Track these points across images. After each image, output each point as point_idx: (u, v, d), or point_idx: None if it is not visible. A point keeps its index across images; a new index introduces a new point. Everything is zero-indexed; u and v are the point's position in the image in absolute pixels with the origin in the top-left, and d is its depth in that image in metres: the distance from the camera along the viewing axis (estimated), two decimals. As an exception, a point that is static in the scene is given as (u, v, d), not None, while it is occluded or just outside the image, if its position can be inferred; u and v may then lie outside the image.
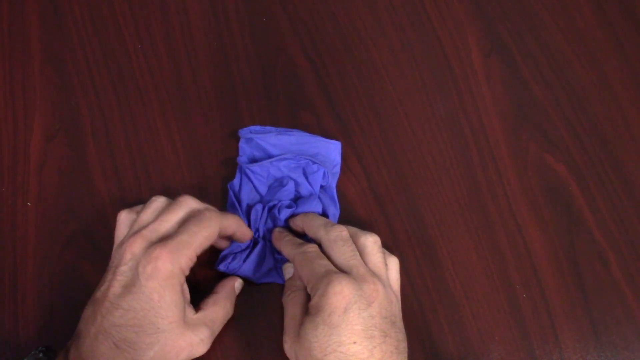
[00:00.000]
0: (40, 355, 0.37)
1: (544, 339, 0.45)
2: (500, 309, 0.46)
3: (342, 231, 0.42)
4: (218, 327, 0.42)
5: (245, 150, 0.48)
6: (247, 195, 0.47)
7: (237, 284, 0.44)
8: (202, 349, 0.40)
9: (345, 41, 0.54)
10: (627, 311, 0.46)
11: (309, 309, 0.39)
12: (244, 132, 0.48)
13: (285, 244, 0.43)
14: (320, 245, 0.43)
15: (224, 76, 0.52)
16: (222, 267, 0.44)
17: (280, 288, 0.45)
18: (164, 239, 0.38)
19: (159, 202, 0.42)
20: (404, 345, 0.40)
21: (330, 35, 0.54)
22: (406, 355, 0.40)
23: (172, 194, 0.44)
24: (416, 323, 0.44)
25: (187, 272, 0.39)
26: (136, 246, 0.38)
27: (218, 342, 0.43)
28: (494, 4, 0.57)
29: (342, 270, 0.40)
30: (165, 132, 0.50)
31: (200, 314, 0.40)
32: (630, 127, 0.52)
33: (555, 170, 0.50)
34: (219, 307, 0.42)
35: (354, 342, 0.37)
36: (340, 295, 0.37)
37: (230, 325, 0.43)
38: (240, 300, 0.44)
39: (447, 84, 0.53)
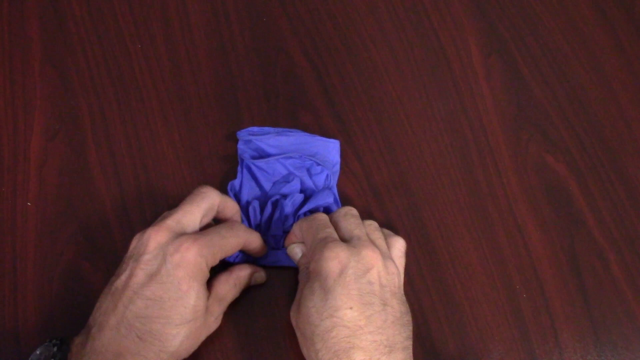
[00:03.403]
0: (55, 349, 0.37)
1: (544, 339, 0.45)
2: (500, 309, 0.46)
3: (352, 209, 0.43)
4: (226, 304, 0.42)
5: (244, 152, 0.48)
6: (249, 194, 0.47)
7: (258, 275, 0.44)
8: (216, 325, 0.41)
9: (345, 41, 0.54)
10: (627, 311, 0.46)
11: (308, 275, 0.40)
12: (242, 134, 0.48)
13: (300, 221, 0.44)
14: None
15: (224, 76, 0.52)
16: None
17: (281, 288, 0.45)
18: (195, 234, 0.39)
19: None
20: (407, 318, 0.40)
21: (330, 35, 0.54)
22: (411, 328, 0.39)
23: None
24: (416, 323, 0.44)
25: (208, 269, 0.39)
26: (161, 235, 0.38)
27: (218, 342, 0.43)
28: (494, 4, 0.57)
29: (344, 240, 0.40)
30: (165, 132, 0.50)
31: (213, 294, 0.41)
32: (630, 127, 0.52)
33: (555, 170, 0.50)
34: (229, 287, 0.42)
35: (350, 308, 0.37)
36: (336, 260, 0.38)
37: (231, 325, 0.43)
38: (241, 300, 0.44)
39: (447, 84, 0.53)
